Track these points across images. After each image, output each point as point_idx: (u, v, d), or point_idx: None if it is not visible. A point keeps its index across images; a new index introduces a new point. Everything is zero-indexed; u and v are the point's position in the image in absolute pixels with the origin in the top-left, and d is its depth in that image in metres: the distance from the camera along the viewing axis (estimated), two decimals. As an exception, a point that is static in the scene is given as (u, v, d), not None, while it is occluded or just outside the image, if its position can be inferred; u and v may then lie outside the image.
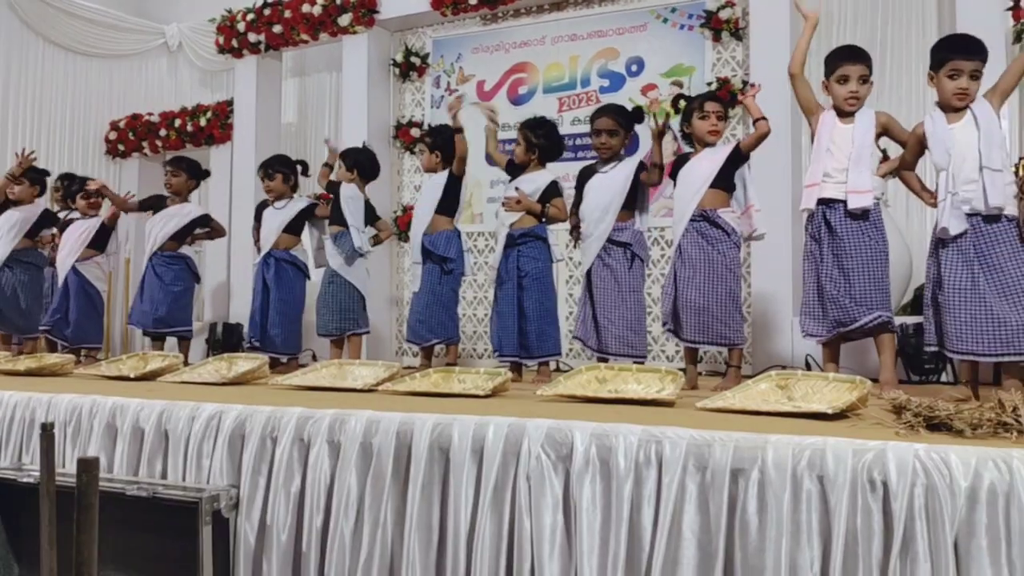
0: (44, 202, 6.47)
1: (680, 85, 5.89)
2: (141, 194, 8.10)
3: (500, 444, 2.36)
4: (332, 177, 5.54)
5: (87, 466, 1.60)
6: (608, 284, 4.21)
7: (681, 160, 4.20)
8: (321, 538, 2.62)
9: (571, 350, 5.71)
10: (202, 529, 2.66)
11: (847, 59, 3.66)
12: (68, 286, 5.91)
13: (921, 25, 5.68)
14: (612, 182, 4.26)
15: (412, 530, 2.44)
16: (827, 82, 3.70)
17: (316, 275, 5.69)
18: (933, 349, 3.41)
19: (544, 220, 4.56)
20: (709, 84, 5.75)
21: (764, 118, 3.88)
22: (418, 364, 5.10)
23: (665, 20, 6.11)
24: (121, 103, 8.61)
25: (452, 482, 2.42)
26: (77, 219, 6.10)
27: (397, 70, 7.05)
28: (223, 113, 7.85)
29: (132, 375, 4.13)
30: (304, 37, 7.29)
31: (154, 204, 5.89)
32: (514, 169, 4.70)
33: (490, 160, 5.03)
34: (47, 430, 1.87)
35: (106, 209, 6.15)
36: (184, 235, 5.80)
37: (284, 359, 5.41)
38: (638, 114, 4.39)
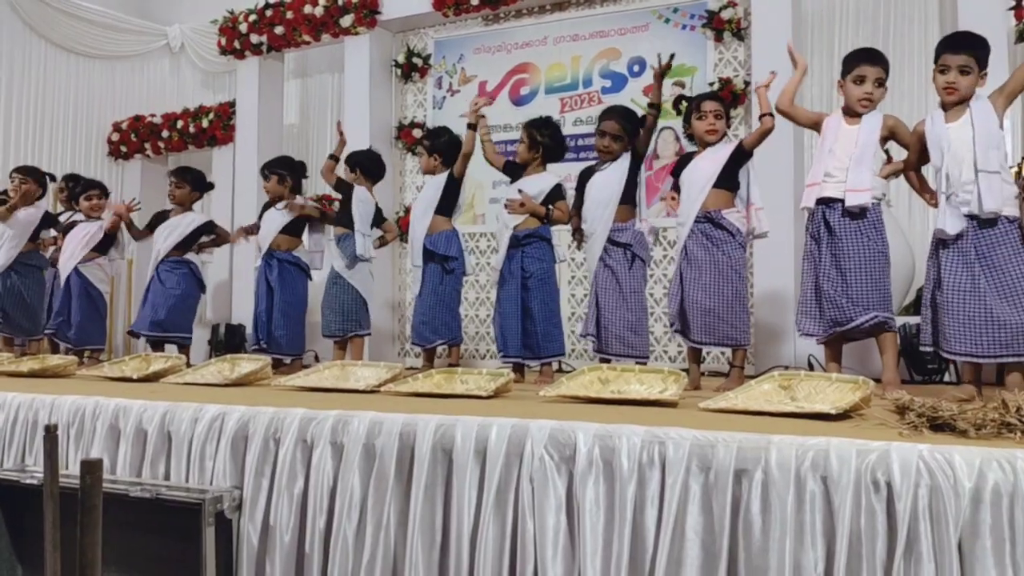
0: (46, 204, 6.46)
1: (682, 85, 5.89)
2: (144, 195, 8.17)
3: (503, 445, 2.36)
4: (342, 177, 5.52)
5: (91, 468, 1.60)
6: (609, 285, 4.20)
7: (684, 160, 4.20)
8: (324, 539, 2.62)
9: (574, 351, 5.71)
10: (205, 530, 2.66)
11: (866, 60, 3.67)
12: (71, 288, 5.91)
13: (923, 24, 5.68)
14: (610, 177, 4.27)
15: (415, 531, 2.44)
16: (842, 81, 3.70)
17: (318, 275, 5.69)
18: (929, 350, 3.41)
19: (547, 222, 4.56)
20: (711, 84, 5.74)
21: (771, 114, 3.89)
22: (420, 365, 5.10)
23: (667, 20, 6.10)
24: (123, 104, 8.62)
25: (455, 483, 2.42)
26: (81, 221, 6.10)
27: (399, 71, 7.06)
28: (225, 114, 7.86)
29: (135, 376, 4.14)
30: (306, 38, 7.29)
31: (158, 221, 5.89)
32: (513, 170, 4.69)
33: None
34: (51, 432, 1.87)
35: (108, 214, 6.15)
36: (189, 244, 5.79)
37: (288, 360, 5.41)
38: (643, 121, 4.34)
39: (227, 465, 2.82)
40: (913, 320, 4.59)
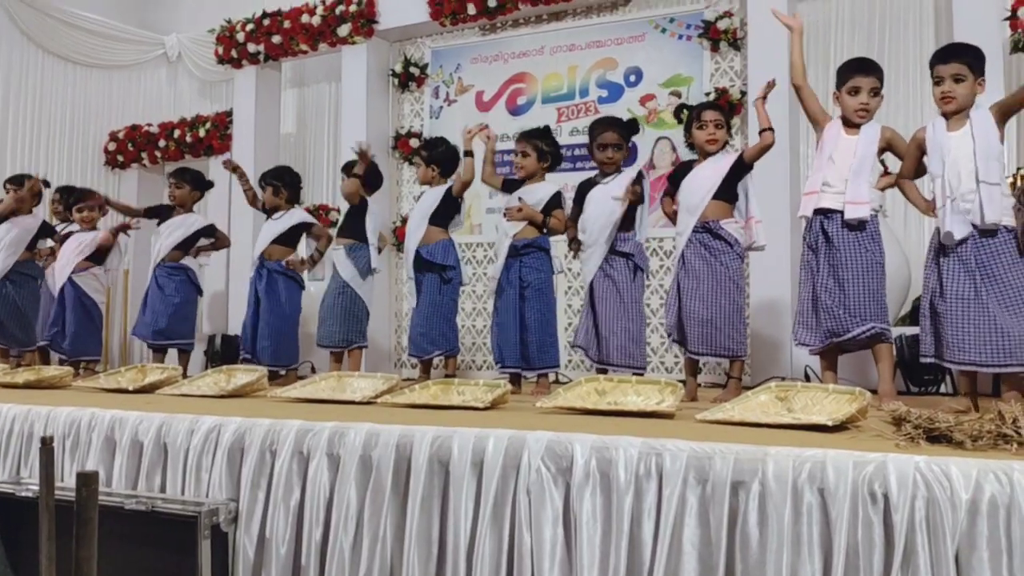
0: (42, 213, 6.46)
1: (679, 95, 5.91)
2: (140, 203, 8.12)
3: (500, 457, 2.36)
4: (342, 189, 5.50)
5: (86, 480, 1.60)
6: (610, 295, 4.20)
7: (683, 169, 4.21)
8: (320, 552, 2.62)
9: (570, 361, 5.71)
10: (201, 543, 2.65)
11: (859, 71, 3.67)
12: (64, 298, 5.90)
13: (918, 34, 5.70)
14: (613, 194, 4.26)
15: (412, 544, 2.44)
16: (838, 93, 3.70)
17: (312, 286, 5.68)
18: (929, 360, 3.40)
19: (545, 231, 4.57)
20: (708, 94, 5.76)
21: (771, 128, 3.88)
22: (417, 376, 5.10)
23: (663, 30, 6.12)
24: (120, 114, 8.63)
25: (452, 495, 2.42)
26: (76, 231, 6.09)
27: (396, 80, 7.07)
28: (222, 124, 7.87)
29: (131, 388, 4.13)
30: (303, 47, 7.30)
31: (161, 213, 5.90)
32: (511, 186, 4.69)
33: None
34: (46, 444, 1.87)
35: (103, 225, 6.16)
36: (188, 245, 5.80)
37: (283, 371, 5.39)
38: (634, 126, 4.41)
39: (223, 477, 2.82)
40: (909, 331, 4.59)
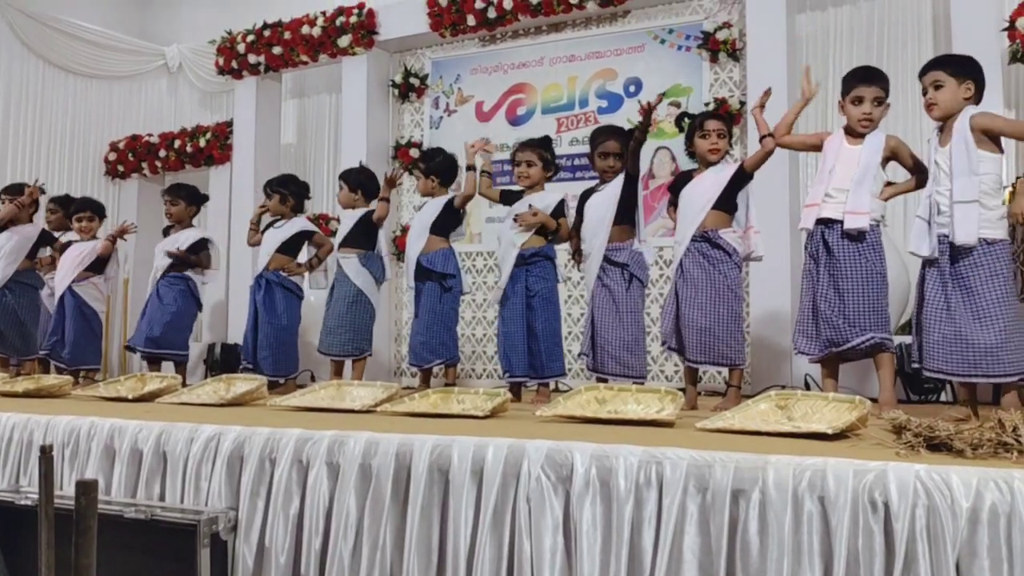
0: (42, 221, 6.46)
1: (678, 106, 5.92)
2: (140, 214, 8.19)
3: (500, 465, 2.36)
4: (339, 199, 5.51)
5: (86, 488, 1.60)
6: (606, 304, 4.21)
7: (682, 179, 4.21)
8: (320, 560, 2.61)
9: (571, 370, 5.71)
10: (200, 552, 2.64)
11: (862, 80, 3.67)
12: (64, 307, 5.90)
13: (917, 45, 5.71)
14: (605, 196, 4.29)
15: (411, 552, 2.43)
16: (843, 102, 3.71)
17: (312, 295, 5.67)
18: (916, 366, 3.45)
19: (551, 239, 4.57)
20: (707, 104, 5.77)
21: (771, 135, 3.89)
22: (416, 385, 5.09)
23: (663, 41, 6.14)
24: (121, 124, 8.64)
25: (451, 504, 2.41)
26: (76, 240, 6.10)
27: (396, 91, 7.08)
28: (223, 134, 7.88)
29: (130, 396, 4.13)
30: (304, 58, 7.32)
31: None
32: (510, 198, 4.70)
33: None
34: (46, 452, 1.87)
35: (102, 232, 6.16)
36: (184, 262, 5.81)
37: (282, 381, 5.39)
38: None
39: (222, 486, 2.81)
40: (909, 340, 4.59)
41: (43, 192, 6.49)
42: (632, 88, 6.22)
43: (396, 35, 6.95)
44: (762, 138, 3.92)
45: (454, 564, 2.37)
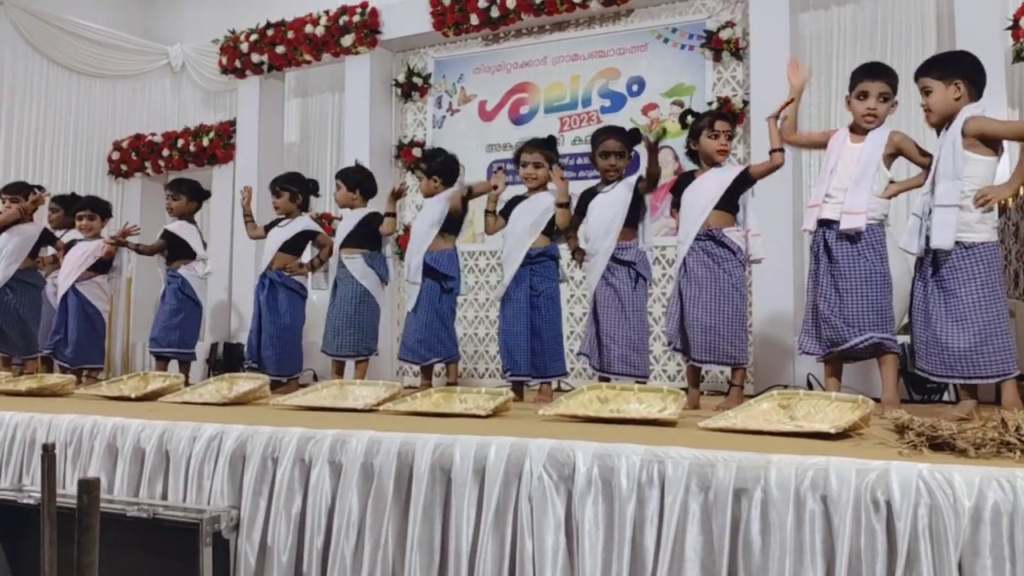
0: (43, 221, 6.47)
1: (681, 105, 5.92)
2: (143, 213, 8.22)
3: (502, 464, 2.35)
4: (337, 200, 5.51)
5: (88, 487, 1.60)
6: (611, 303, 4.20)
7: (685, 179, 4.19)
8: (322, 559, 2.61)
9: (572, 369, 5.71)
10: (203, 550, 2.65)
11: (867, 75, 3.66)
12: (67, 306, 5.91)
13: (920, 44, 5.70)
14: (613, 200, 4.27)
15: (413, 551, 2.43)
16: (849, 98, 3.69)
17: (315, 295, 5.67)
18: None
19: (555, 238, 4.58)
20: (710, 104, 5.77)
21: (781, 149, 3.85)
22: (419, 384, 5.10)
23: (666, 40, 6.14)
24: (124, 123, 8.66)
25: (454, 503, 2.41)
26: (80, 239, 6.10)
27: (399, 90, 7.09)
28: (226, 133, 7.89)
29: (133, 395, 4.13)
30: (307, 57, 7.33)
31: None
32: (509, 205, 4.70)
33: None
34: (48, 451, 1.87)
35: (105, 232, 6.17)
36: (180, 251, 5.82)
37: (284, 380, 5.39)
38: (636, 135, 4.41)
39: (225, 484, 2.81)
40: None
41: (41, 190, 6.49)
42: (635, 87, 6.21)
43: (399, 34, 6.96)
44: (773, 151, 3.89)
45: (456, 563, 2.37)
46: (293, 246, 5.55)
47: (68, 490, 2.95)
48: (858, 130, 3.67)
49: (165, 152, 8.22)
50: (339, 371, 5.29)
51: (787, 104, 3.88)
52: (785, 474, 2.01)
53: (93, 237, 6.08)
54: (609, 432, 2.57)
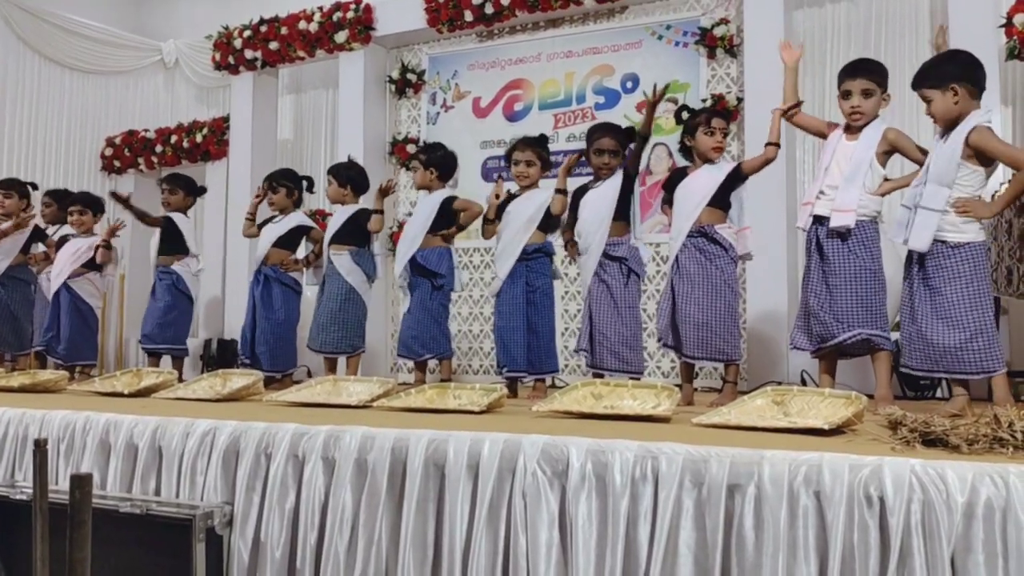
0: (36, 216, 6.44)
1: (675, 102, 5.91)
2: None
3: (495, 460, 2.35)
4: (329, 195, 5.51)
5: (80, 483, 1.59)
6: (604, 299, 4.20)
7: (677, 175, 4.20)
8: (316, 555, 2.61)
9: (567, 366, 5.71)
10: (196, 546, 2.64)
11: (848, 74, 3.67)
12: (60, 303, 5.90)
13: (915, 41, 5.71)
14: (603, 194, 4.28)
15: (407, 547, 2.43)
16: (839, 98, 3.71)
17: (310, 291, 5.67)
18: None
19: (550, 233, 4.58)
20: (704, 101, 5.77)
21: (777, 144, 3.88)
22: (413, 380, 5.10)
23: (660, 37, 6.14)
24: (117, 119, 8.64)
25: (447, 498, 2.41)
26: (72, 235, 6.09)
27: (393, 87, 7.08)
28: (219, 129, 7.87)
29: (126, 391, 4.12)
30: (300, 54, 7.31)
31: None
32: (503, 205, 4.70)
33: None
34: (40, 446, 1.86)
35: (99, 228, 6.16)
36: (173, 245, 5.80)
37: (278, 376, 5.38)
38: (631, 134, 4.41)
39: (218, 480, 2.81)
40: (904, 336, 4.61)
41: (35, 188, 6.47)
42: (629, 84, 6.21)
43: (393, 31, 6.95)
44: (768, 144, 3.90)
45: (450, 559, 2.37)
46: (287, 241, 5.54)
47: (61, 486, 2.95)
48: (852, 128, 3.68)
49: (158, 148, 8.21)
50: (332, 367, 5.29)
51: (796, 106, 3.88)
52: (778, 470, 2.01)
53: (85, 232, 6.06)
54: (603, 428, 2.57)
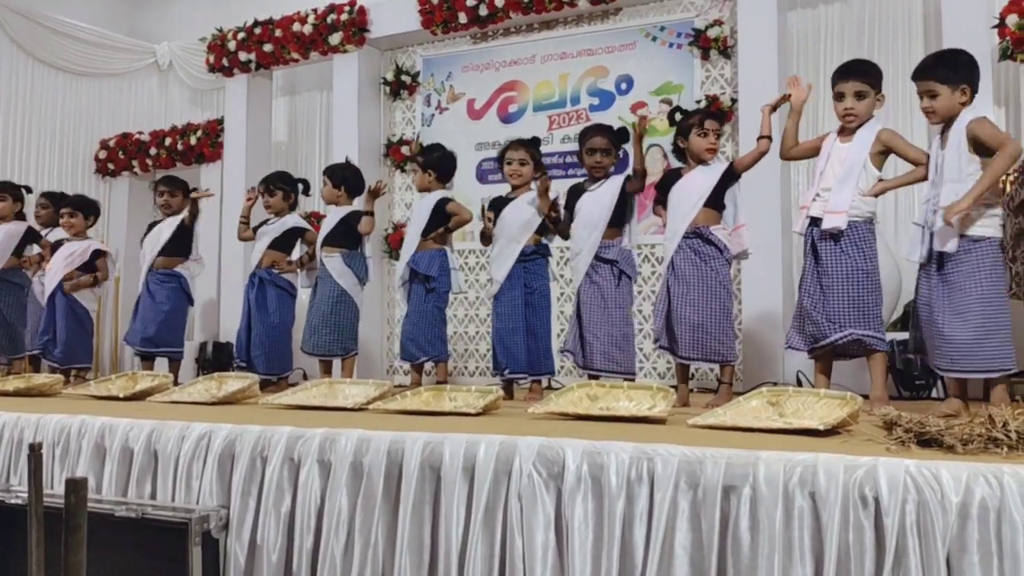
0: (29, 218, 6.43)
1: (669, 103, 5.93)
2: (130, 212, 8.22)
3: (491, 462, 2.36)
4: (323, 196, 5.51)
5: (75, 487, 1.59)
6: (595, 301, 4.21)
7: (671, 176, 4.21)
8: (312, 558, 2.61)
9: (562, 367, 5.71)
10: (192, 550, 2.64)
11: (840, 76, 3.69)
12: (55, 306, 5.88)
13: (907, 42, 5.72)
14: (599, 199, 4.27)
15: (403, 549, 2.43)
16: (833, 100, 3.72)
17: (304, 294, 5.66)
18: (911, 358, 3.48)
19: (553, 223, 4.57)
20: (698, 102, 5.77)
21: (769, 137, 3.89)
22: (409, 382, 5.10)
23: (654, 39, 6.14)
24: (111, 122, 8.62)
25: (443, 501, 2.41)
26: (68, 239, 6.07)
27: (387, 88, 7.08)
28: (213, 132, 7.86)
29: (121, 395, 4.12)
30: (294, 56, 7.31)
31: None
32: (498, 205, 4.69)
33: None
34: (35, 450, 1.86)
35: (93, 233, 6.15)
36: (177, 249, 5.79)
37: (274, 379, 5.37)
38: (624, 134, 4.42)
39: (214, 484, 2.81)
40: (900, 336, 4.61)
41: (29, 191, 6.45)
42: (623, 86, 6.22)
43: (387, 32, 6.94)
44: (760, 138, 3.91)
45: (446, 561, 2.38)
46: (282, 244, 5.54)
47: (56, 490, 2.94)
48: (846, 130, 3.69)
49: (152, 151, 8.19)
50: (327, 370, 5.29)
51: (783, 99, 3.94)
52: (773, 471, 2.01)
53: (77, 235, 6.04)
54: (599, 430, 2.58)
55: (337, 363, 5.31)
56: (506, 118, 6.61)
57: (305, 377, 5.93)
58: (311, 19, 7.11)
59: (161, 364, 5.78)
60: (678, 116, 4.25)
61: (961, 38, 4.55)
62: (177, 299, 5.75)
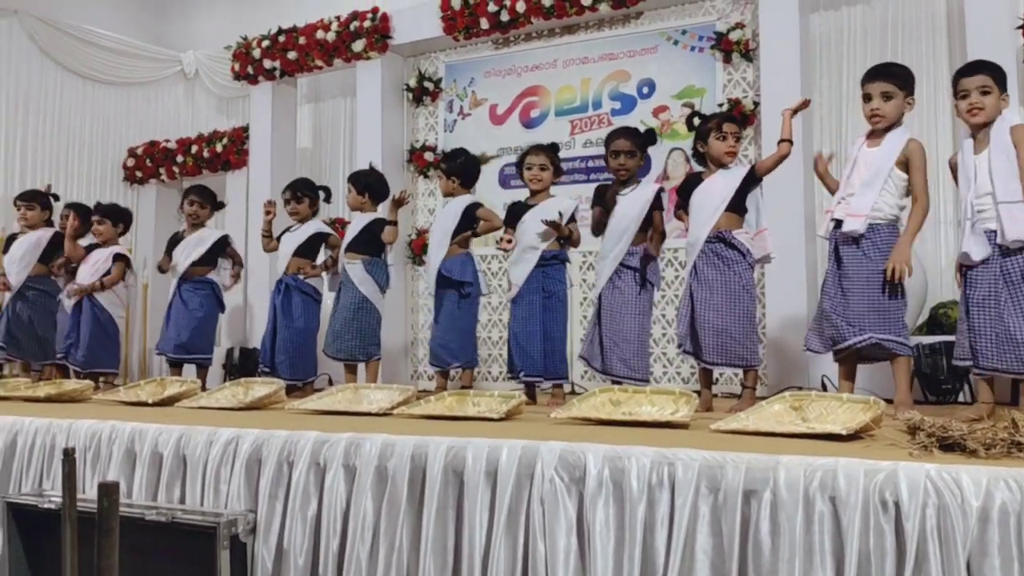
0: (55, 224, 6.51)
1: (691, 107, 5.92)
2: (158, 219, 8.29)
3: (514, 467, 2.38)
4: (348, 203, 5.54)
5: (108, 491, 1.62)
6: (616, 306, 4.22)
7: (692, 181, 4.21)
8: (338, 562, 2.64)
9: (585, 372, 5.72)
10: (220, 554, 2.68)
11: (868, 78, 3.69)
12: (81, 311, 5.96)
13: (931, 45, 5.69)
14: (630, 207, 4.28)
15: (427, 553, 2.46)
16: (862, 101, 3.73)
17: (329, 299, 5.71)
18: (966, 364, 3.43)
19: (570, 243, 4.60)
20: (720, 105, 5.77)
21: (790, 140, 3.89)
22: (433, 387, 5.12)
23: (676, 42, 6.14)
24: (138, 130, 8.73)
25: (466, 505, 2.44)
26: (97, 246, 6.15)
27: (410, 95, 7.12)
28: (239, 139, 7.93)
29: (150, 401, 4.17)
30: (318, 63, 7.37)
31: (174, 244, 5.97)
32: (517, 211, 4.71)
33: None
34: (69, 455, 1.90)
35: (124, 241, 6.22)
36: (210, 259, 5.86)
37: (300, 384, 5.42)
38: (651, 136, 4.42)
39: (241, 488, 2.85)
40: (926, 340, 4.59)
41: (56, 199, 6.54)
42: (645, 90, 6.22)
43: (410, 39, 6.99)
44: (781, 141, 3.91)
45: (469, 565, 2.40)
46: (307, 250, 5.58)
47: (88, 494, 2.99)
48: (874, 134, 3.68)
49: (179, 158, 8.28)
50: (353, 375, 5.32)
51: (804, 103, 4.02)
52: (794, 475, 2.02)
53: (106, 242, 6.12)
54: (621, 435, 2.59)
55: (362, 367, 5.35)
56: (528, 123, 6.63)
57: (331, 382, 5.97)
58: (334, 26, 7.17)
59: (189, 370, 5.84)
60: (696, 121, 4.26)
61: (985, 40, 4.54)
62: (210, 306, 5.83)
